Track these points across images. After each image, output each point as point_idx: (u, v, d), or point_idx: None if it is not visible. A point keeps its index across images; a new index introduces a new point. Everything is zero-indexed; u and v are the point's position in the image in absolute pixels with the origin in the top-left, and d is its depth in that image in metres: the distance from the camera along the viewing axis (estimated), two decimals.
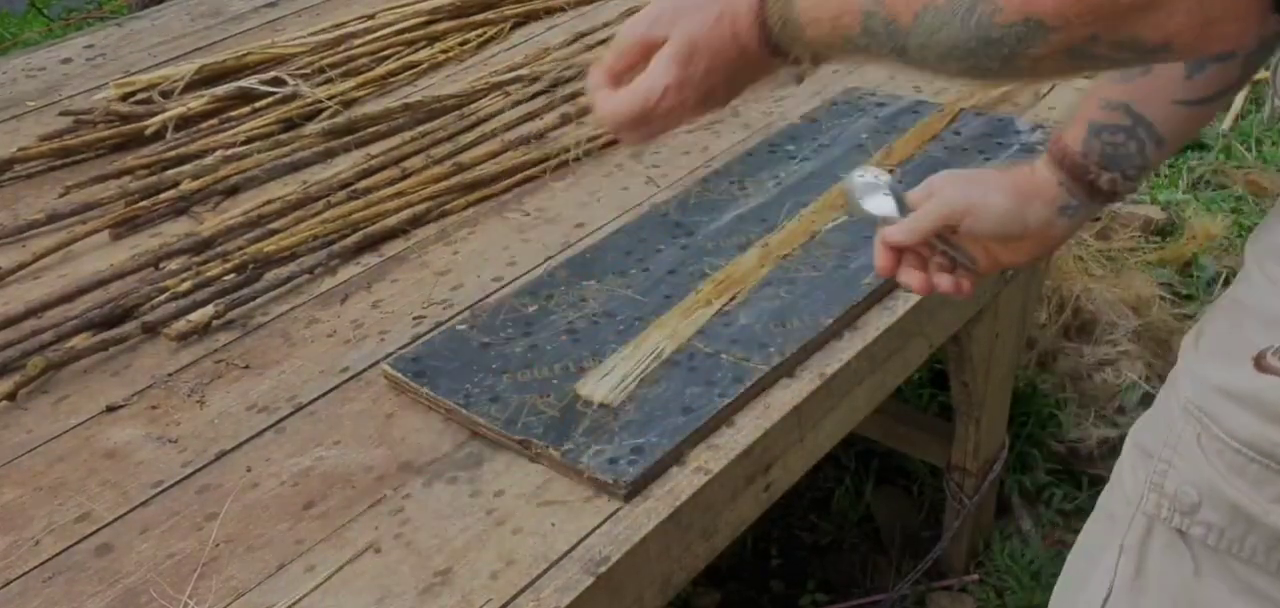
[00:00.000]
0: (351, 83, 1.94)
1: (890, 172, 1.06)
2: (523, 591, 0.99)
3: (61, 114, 1.92)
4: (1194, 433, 0.81)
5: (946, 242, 0.98)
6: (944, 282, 0.98)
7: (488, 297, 1.40)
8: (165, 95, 1.92)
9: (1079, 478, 2.07)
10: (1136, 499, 0.87)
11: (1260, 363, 0.76)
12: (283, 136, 1.81)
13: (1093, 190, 0.95)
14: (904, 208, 0.98)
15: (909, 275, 0.98)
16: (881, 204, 0.99)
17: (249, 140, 1.78)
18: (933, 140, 1.65)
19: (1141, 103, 0.92)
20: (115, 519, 1.10)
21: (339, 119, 1.81)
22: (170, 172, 1.71)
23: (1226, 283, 2.46)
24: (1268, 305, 0.77)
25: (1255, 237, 0.81)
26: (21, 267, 1.50)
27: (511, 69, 1.96)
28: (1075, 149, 0.95)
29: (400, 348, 1.32)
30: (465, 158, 1.70)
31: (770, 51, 0.82)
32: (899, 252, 0.99)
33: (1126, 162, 0.94)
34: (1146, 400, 2.12)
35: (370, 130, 1.80)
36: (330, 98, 1.88)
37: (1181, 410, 0.82)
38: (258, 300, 1.42)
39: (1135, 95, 0.93)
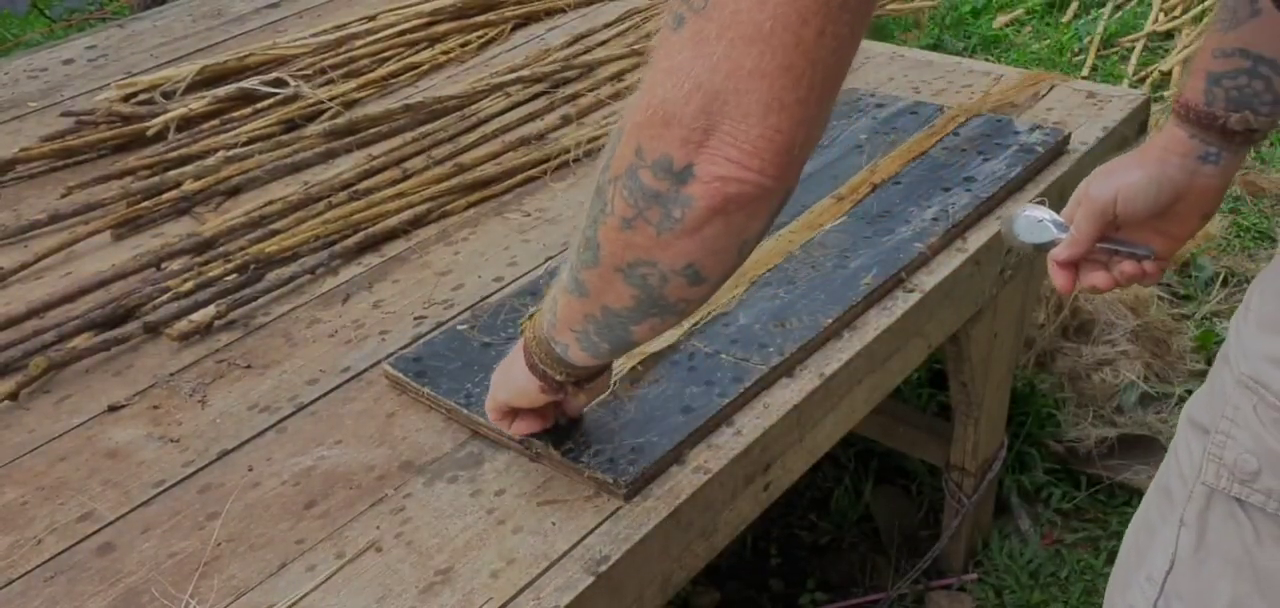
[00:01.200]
0: (353, 84, 1.94)
1: (1041, 202, 1.14)
2: (523, 590, 1.00)
3: (63, 115, 1.92)
4: (1251, 404, 0.83)
5: (1114, 240, 1.02)
6: (1128, 270, 1.03)
7: (488, 297, 1.41)
8: (167, 96, 1.92)
9: (1077, 478, 2.07)
10: (1195, 473, 0.89)
11: None
12: (284, 137, 1.81)
13: (1226, 134, 0.97)
14: (1063, 228, 1.04)
15: (1092, 277, 1.04)
16: (1038, 232, 1.06)
17: (251, 141, 1.79)
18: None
19: (1258, 42, 0.94)
20: (117, 519, 1.11)
21: (340, 120, 1.82)
22: (172, 172, 1.71)
23: (1224, 283, 2.46)
24: None
25: None
26: (24, 267, 1.51)
27: (512, 70, 1.96)
28: (1198, 101, 0.97)
29: (401, 348, 1.32)
30: (466, 158, 1.70)
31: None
32: (1073, 266, 1.04)
33: (1255, 99, 0.96)
34: (1145, 401, 2.12)
35: (371, 131, 1.80)
36: (332, 99, 1.88)
37: (1236, 384, 0.84)
38: (259, 301, 1.43)
39: (1248, 38, 0.94)
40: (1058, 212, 1.07)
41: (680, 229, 0.74)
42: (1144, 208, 0.99)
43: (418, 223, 1.57)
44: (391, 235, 1.55)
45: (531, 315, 1.00)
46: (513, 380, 1.04)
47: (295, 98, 1.88)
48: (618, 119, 0.77)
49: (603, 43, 2.07)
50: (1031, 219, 1.06)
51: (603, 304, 0.85)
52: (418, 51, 2.08)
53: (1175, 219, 1.01)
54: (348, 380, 1.28)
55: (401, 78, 2.00)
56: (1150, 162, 1.00)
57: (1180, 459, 0.92)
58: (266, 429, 1.22)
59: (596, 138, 1.73)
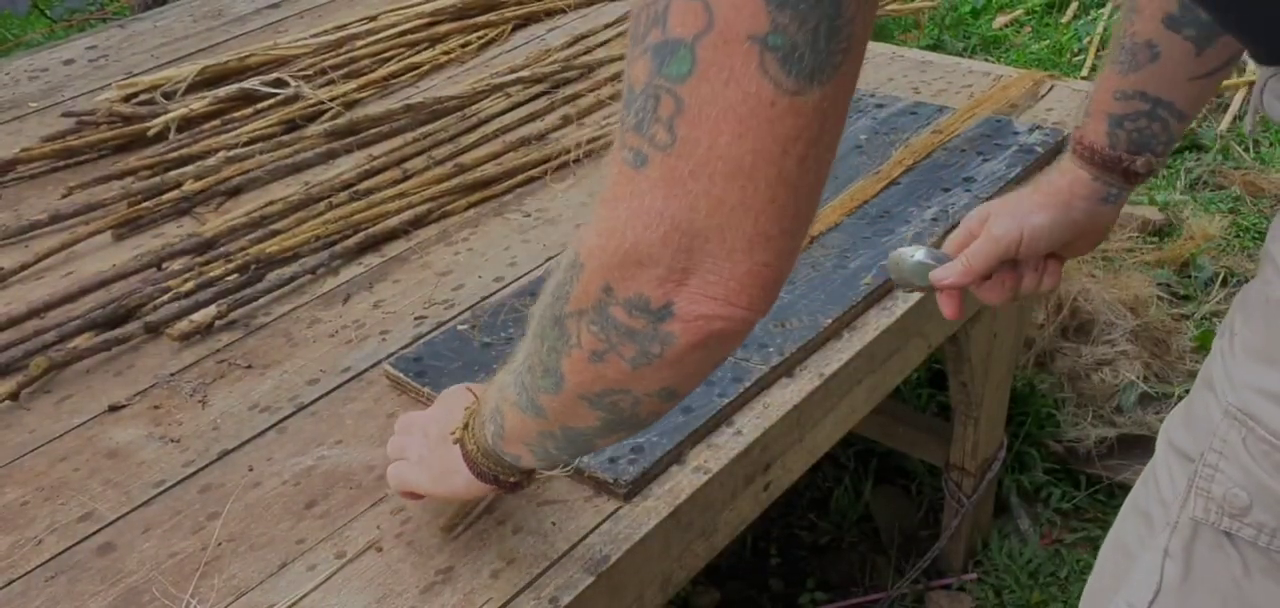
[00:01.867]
0: (353, 84, 1.95)
1: (925, 244, 1.13)
2: (523, 590, 1.00)
3: (64, 115, 1.92)
4: (1239, 437, 0.81)
5: (1011, 265, 1.04)
6: (1025, 282, 1.05)
7: (489, 297, 1.41)
8: (168, 96, 1.92)
9: (1077, 477, 2.07)
10: (1178, 503, 0.86)
11: None
12: (285, 138, 1.81)
13: (1129, 175, 1.00)
14: (942, 261, 1.05)
15: (986, 294, 1.05)
16: (924, 275, 1.05)
17: (251, 141, 1.79)
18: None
19: (1156, 86, 0.95)
20: (117, 519, 1.11)
21: (341, 120, 1.82)
22: (173, 172, 1.71)
23: (1224, 283, 2.46)
24: None
25: (1277, 235, 0.80)
26: (24, 267, 1.51)
27: (512, 70, 1.97)
28: (1101, 144, 0.99)
29: (402, 348, 1.32)
30: (466, 159, 1.71)
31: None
32: (959, 290, 1.05)
33: (1155, 141, 0.98)
34: (1145, 400, 2.13)
35: (372, 131, 1.80)
36: (332, 99, 1.89)
37: (1223, 415, 0.82)
38: (260, 301, 1.43)
39: (1148, 82, 0.95)
40: (940, 244, 1.08)
41: (659, 362, 0.71)
42: (1046, 246, 1.03)
43: (418, 223, 1.58)
44: (392, 235, 1.55)
45: (465, 426, 0.93)
46: (453, 485, 0.96)
47: (296, 98, 1.89)
48: (569, 247, 0.72)
49: (603, 43, 2.07)
50: (919, 263, 1.06)
51: (563, 425, 0.81)
52: (418, 52, 2.08)
53: (1071, 248, 1.05)
54: (348, 380, 1.29)
55: (402, 78, 2.00)
56: (1055, 205, 1.02)
57: (1160, 484, 0.90)
58: (267, 429, 1.22)
59: (597, 138, 1.74)
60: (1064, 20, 3.78)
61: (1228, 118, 3.06)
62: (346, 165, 1.72)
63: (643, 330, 0.69)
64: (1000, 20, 3.79)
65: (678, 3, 0.60)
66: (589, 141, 1.73)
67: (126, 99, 1.92)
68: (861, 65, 0.63)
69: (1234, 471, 0.82)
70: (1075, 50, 3.58)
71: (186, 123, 1.85)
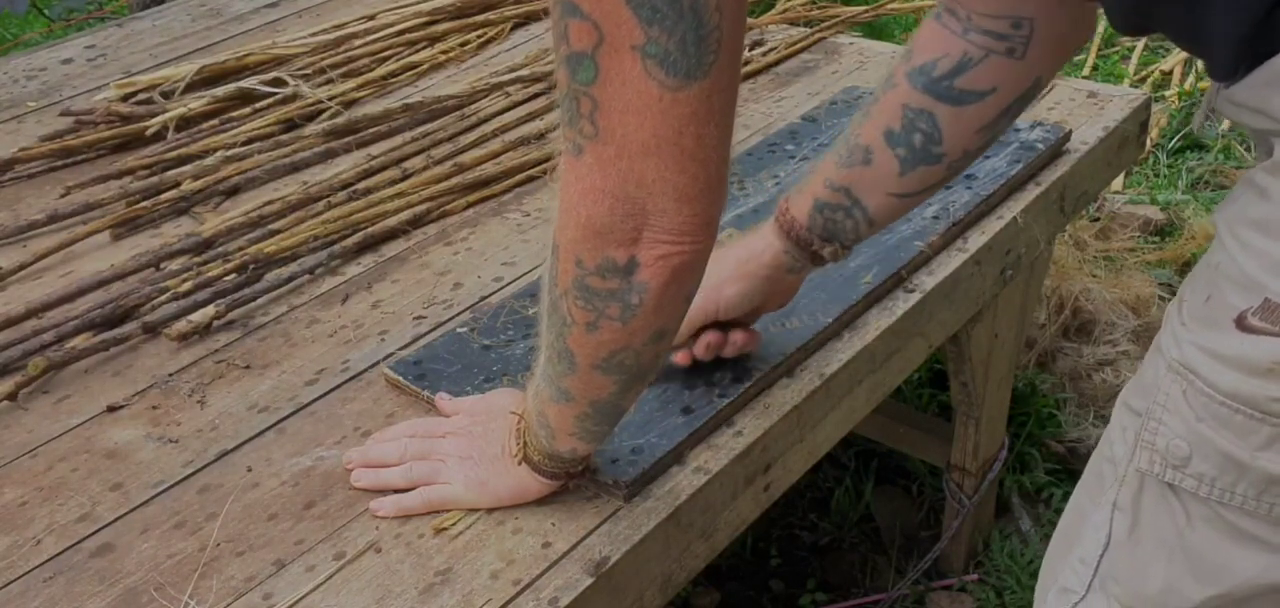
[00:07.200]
0: (352, 83, 1.94)
1: None
2: (523, 590, 0.99)
3: (62, 114, 1.92)
4: (1181, 390, 0.85)
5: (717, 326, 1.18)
6: (732, 345, 1.19)
7: (488, 297, 1.41)
8: (166, 96, 1.92)
9: (1078, 478, 2.07)
10: (1127, 457, 0.91)
11: (1241, 324, 0.81)
12: (283, 137, 1.81)
13: (814, 257, 1.13)
14: None
15: (697, 351, 1.19)
16: None
17: (250, 141, 1.79)
18: None
19: (859, 188, 1.07)
20: (116, 519, 1.11)
21: (339, 120, 1.82)
22: (171, 172, 1.71)
23: None
24: (1242, 270, 0.81)
25: (1222, 207, 0.86)
26: (22, 267, 1.50)
27: (512, 69, 1.96)
28: (802, 222, 1.11)
29: (401, 348, 1.32)
30: (465, 158, 1.70)
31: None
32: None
33: (844, 234, 1.11)
34: None
35: (371, 131, 1.80)
36: (331, 98, 1.88)
37: (1167, 370, 0.87)
38: (258, 301, 1.43)
39: (854, 181, 1.06)
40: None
41: (642, 311, 0.83)
42: (738, 311, 1.17)
43: (417, 223, 1.57)
44: (391, 235, 1.55)
45: (521, 447, 1.04)
46: (526, 497, 1.07)
47: (294, 97, 1.88)
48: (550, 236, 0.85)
49: None
50: None
51: (590, 400, 0.93)
52: (417, 51, 2.07)
53: (761, 309, 1.19)
54: (347, 381, 1.28)
55: (401, 77, 2.00)
56: (744, 278, 1.15)
57: (1113, 443, 0.94)
58: (266, 429, 1.21)
59: None
60: None
61: (1228, 119, 3.06)
62: (345, 165, 1.71)
63: (619, 288, 0.82)
64: None
65: (573, 22, 0.72)
66: None
67: (125, 98, 1.92)
68: (739, 60, 0.76)
69: (1176, 422, 0.86)
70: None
71: (185, 122, 1.85)
